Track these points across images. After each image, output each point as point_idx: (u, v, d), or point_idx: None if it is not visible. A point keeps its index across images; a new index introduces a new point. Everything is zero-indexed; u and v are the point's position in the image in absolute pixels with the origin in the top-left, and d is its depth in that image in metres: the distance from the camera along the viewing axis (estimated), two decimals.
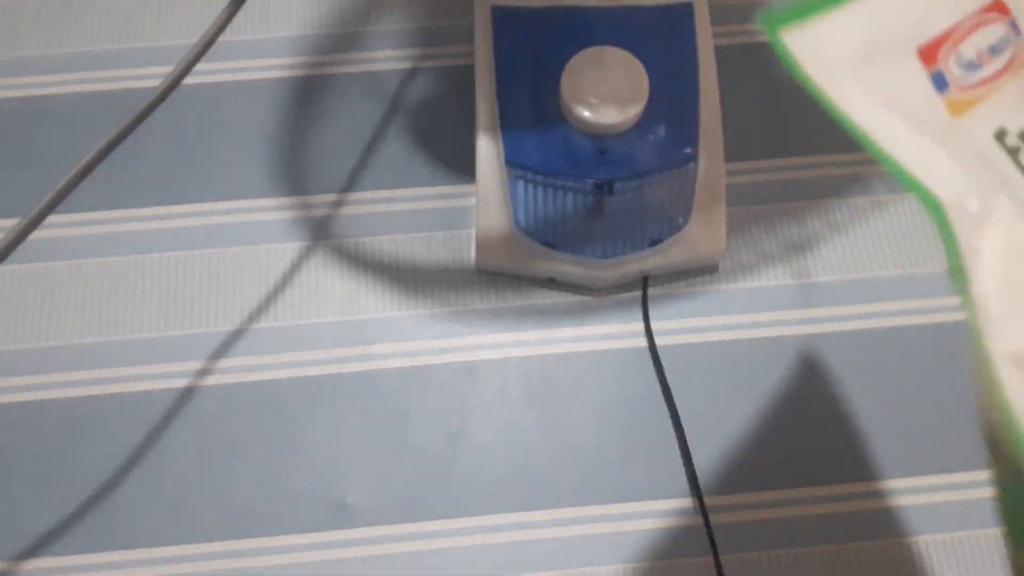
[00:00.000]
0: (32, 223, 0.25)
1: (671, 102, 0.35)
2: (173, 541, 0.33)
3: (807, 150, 0.39)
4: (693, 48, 0.36)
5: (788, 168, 0.39)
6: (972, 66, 0.18)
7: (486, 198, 0.35)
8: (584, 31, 0.35)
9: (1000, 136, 0.18)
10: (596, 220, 0.35)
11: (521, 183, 0.35)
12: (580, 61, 0.34)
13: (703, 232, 0.35)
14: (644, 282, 0.37)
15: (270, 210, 0.38)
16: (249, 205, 0.38)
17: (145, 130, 0.40)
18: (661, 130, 0.34)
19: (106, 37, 0.41)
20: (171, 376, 0.36)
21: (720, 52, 0.39)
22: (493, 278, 0.37)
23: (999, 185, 0.18)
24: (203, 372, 0.36)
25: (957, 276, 0.18)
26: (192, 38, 0.41)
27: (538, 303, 0.37)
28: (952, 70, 0.18)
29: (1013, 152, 0.18)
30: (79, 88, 0.40)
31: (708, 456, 0.35)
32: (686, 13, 0.36)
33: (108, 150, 0.26)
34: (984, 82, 0.19)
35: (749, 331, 0.36)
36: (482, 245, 0.35)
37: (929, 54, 0.18)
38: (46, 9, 0.41)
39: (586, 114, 0.33)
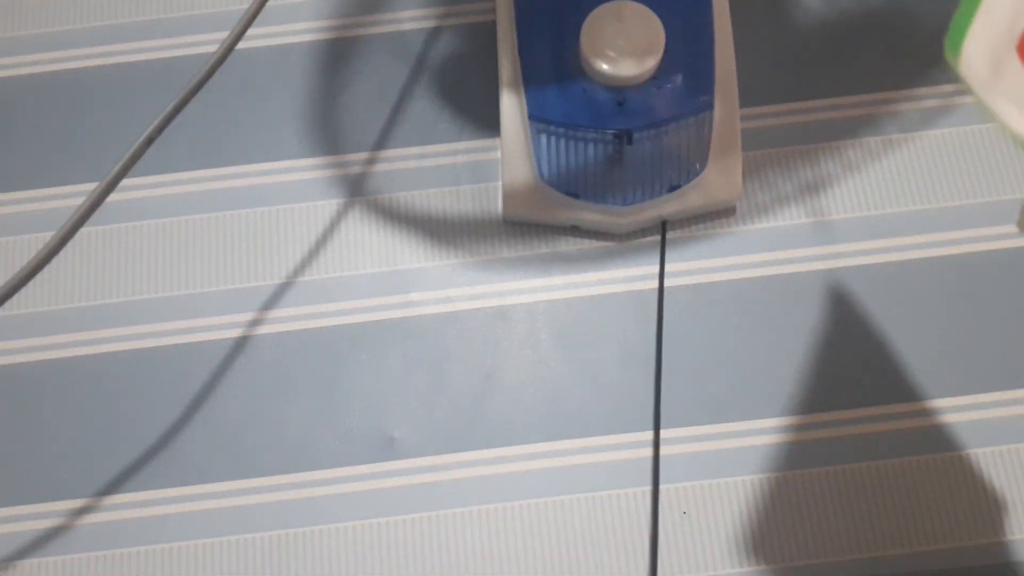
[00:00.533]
0: (107, 188, 0.27)
1: (687, 53, 0.36)
2: (235, 476, 0.37)
3: (820, 93, 0.40)
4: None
5: (802, 111, 0.40)
6: None
7: (510, 151, 0.37)
8: None
9: None
10: (616, 169, 0.37)
11: (544, 136, 0.37)
12: (598, 16, 0.35)
13: (720, 177, 0.37)
14: (663, 227, 0.38)
15: (308, 169, 0.41)
16: (288, 166, 0.41)
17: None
18: (678, 80, 0.36)
19: (147, 8, 0.43)
20: (226, 327, 0.39)
21: None
22: (519, 227, 0.39)
23: None
24: (255, 322, 0.39)
25: None
26: (227, 5, 0.43)
27: (563, 250, 0.39)
28: None
29: None
30: (131, 58, 0.42)
31: (726, 383, 0.37)
32: None
33: (171, 117, 0.29)
34: None
35: (767, 268, 0.38)
36: (508, 196, 0.38)
37: None
38: None
39: (604, 67, 0.35)
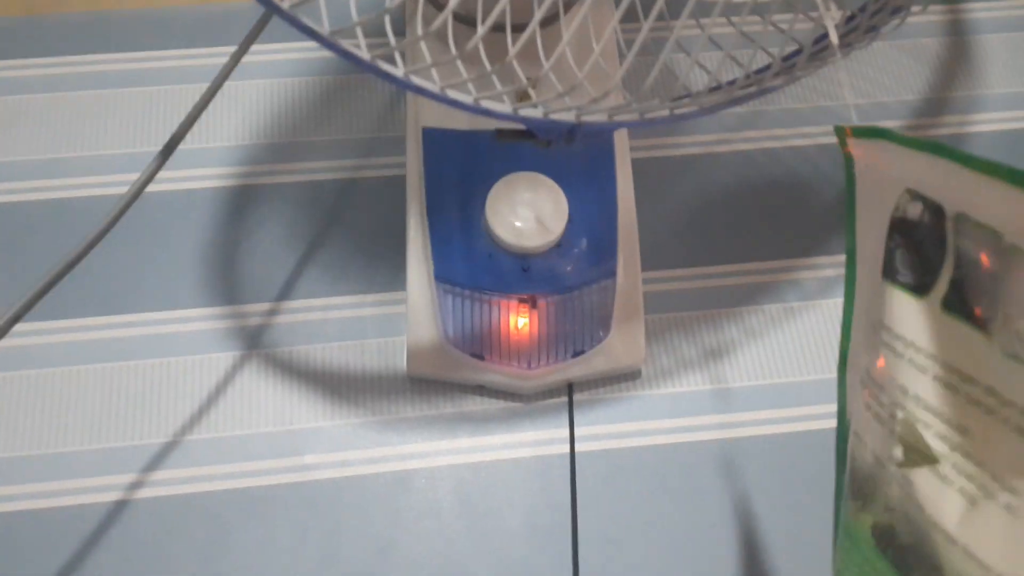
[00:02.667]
0: None
1: (590, 222, 0.37)
2: None
3: (722, 259, 0.41)
4: (612, 169, 0.38)
5: (704, 276, 0.41)
6: None
7: (416, 310, 0.37)
8: (510, 155, 0.37)
9: None
10: (521, 333, 0.36)
11: (450, 297, 0.36)
12: (504, 185, 0.35)
13: (623, 343, 0.37)
14: (569, 389, 0.38)
15: (205, 320, 0.39)
16: (184, 315, 0.39)
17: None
18: (582, 248, 0.36)
19: (50, 147, 0.42)
20: (100, 490, 0.36)
21: (637, 165, 0.42)
22: (424, 386, 0.38)
23: None
24: (133, 485, 0.36)
25: None
26: (134, 147, 0.42)
27: (468, 410, 0.38)
28: None
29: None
30: (27, 197, 0.41)
31: (644, 554, 0.36)
32: (606, 136, 0.38)
33: (75, 262, 0.27)
34: None
35: (670, 436, 0.38)
36: (412, 355, 0.37)
37: None
38: None
39: (509, 237, 0.35)
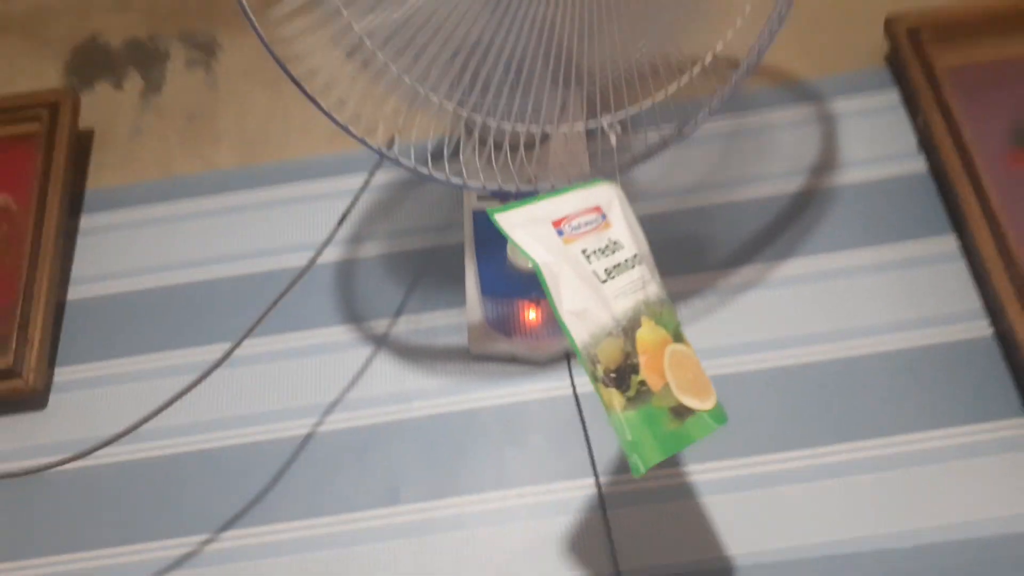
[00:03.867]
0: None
1: None
2: None
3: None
4: None
5: None
6: (576, 228, 0.46)
7: (472, 311, 0.63)
8: None
9: (583, 252, 0.46)
10: (533, 321, 0.62)
11: (490, 302, 0.62)
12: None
13: None
14: (568, 355, 0.63)
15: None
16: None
17: None
18: None
19: (241, 403, 0.71)
20: None
21: None
22: (480, 358, 0.64)
23: (571, 265, 0.45)
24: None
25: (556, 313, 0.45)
26: (315, 398, 0.71)
27: (507, 369, 0.63)
28: (565, 229, 0.46)
29: (585, 255, 0.46)
30: (223, 443, 0.70)
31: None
32: None
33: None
34: (581, 234, 0.46)
35: None
36: (471, 337, 0.63)
37: (556, 224, 0.46)
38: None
39: (522, 265, 0.61)
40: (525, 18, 0.45)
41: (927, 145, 0.69)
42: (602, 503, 0.57)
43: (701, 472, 0.58)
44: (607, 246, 0.47)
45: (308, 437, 0.62)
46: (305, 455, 0.62)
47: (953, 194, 0.65)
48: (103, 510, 0.61)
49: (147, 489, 0.61)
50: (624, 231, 0.49)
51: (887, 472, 0.57)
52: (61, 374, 0.66)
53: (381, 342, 0.66)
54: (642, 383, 0.44)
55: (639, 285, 0.47)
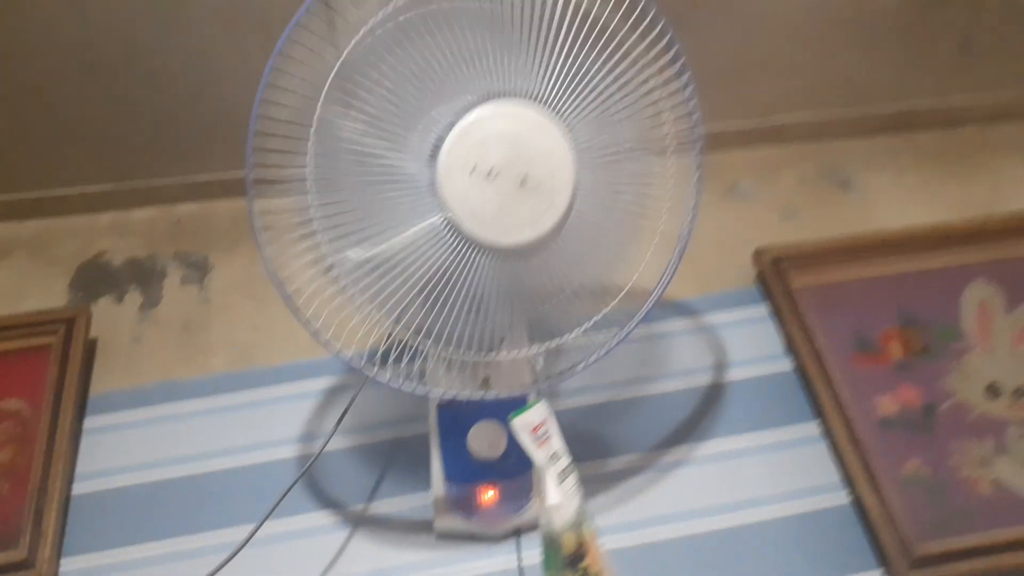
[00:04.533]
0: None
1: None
2: None
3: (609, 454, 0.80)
4: None
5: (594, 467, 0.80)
6: (538, 438, 0.62)
7: (438, 492, 0.75)
8: (480, 412, 0.78)
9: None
10: (490, 501, 0.75)
11: (454, 485, 0.75)
12: (475, 429, 0.76)
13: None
14: (517, 531, 0.76)
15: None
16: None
17: None
18: (516, 456, 0.76)
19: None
20: None
21: None
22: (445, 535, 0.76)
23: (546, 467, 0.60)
24: None
25: None
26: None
27: (465, 544, 0.75)
28: (539, 436, 0.62)
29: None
30: None
31: None
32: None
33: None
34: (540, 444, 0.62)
35: None
36: (436, 516, 0.75)
37: (534, 431, 0.61)
38: None
39: (481, 452, 0.75)
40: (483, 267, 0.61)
41: (791, 349, 0.88)
42: None
43: None
44: (553, 455, 0.62)
45: None
46: None
47: (813, 389, 0.84)
48: None
49: None
50: (560, 443, 0.64)
51: None
52: (67, 563, 0.74)
53: (357, 523, 0.77)
54: (586, 569, 0.58)
55: (577, 489, 0.62)
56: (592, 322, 0.70)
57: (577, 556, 0.57)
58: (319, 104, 0.59)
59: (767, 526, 0.76)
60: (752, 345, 0.89)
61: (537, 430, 0.61)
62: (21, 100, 0.93)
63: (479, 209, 0.59)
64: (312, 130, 0.59)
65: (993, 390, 0.84)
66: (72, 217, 1.03)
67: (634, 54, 0.60)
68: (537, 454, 0.61)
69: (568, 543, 0.58)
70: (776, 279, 0.92)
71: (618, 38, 0.59)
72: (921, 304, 0.91)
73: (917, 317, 0.90)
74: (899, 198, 1.03)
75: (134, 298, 0.95)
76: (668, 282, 0.69)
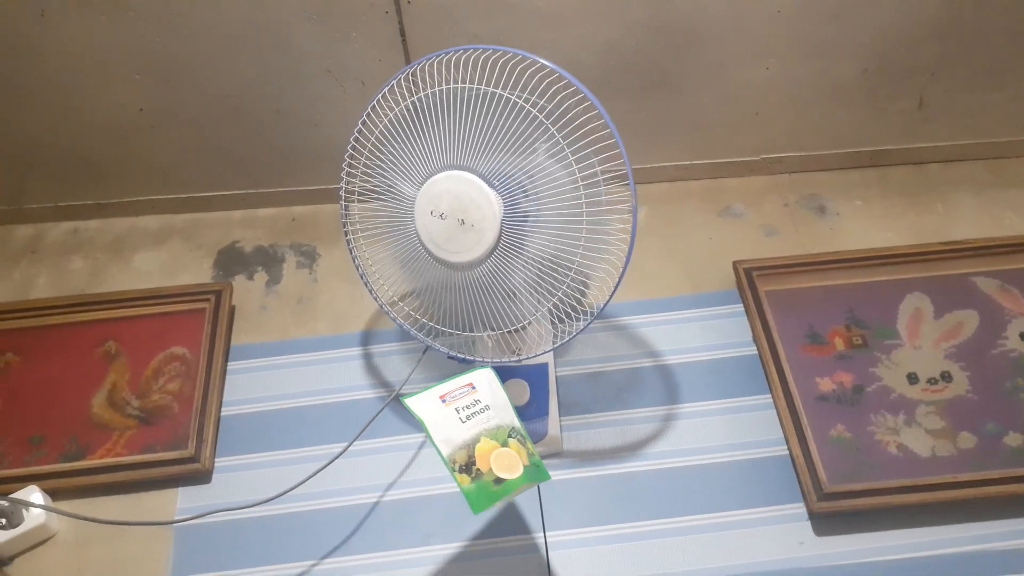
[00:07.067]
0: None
1: (536, 394, 1.05)
2: None
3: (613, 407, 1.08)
4: (546, 374, 1.07)
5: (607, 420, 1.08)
6: (454, 396, 0.89)
7: None
8: (513, 373, 1.06)
9: (456, 409, 0.89)
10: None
11: None
12: (507, 385, 1.04)
13: (552, 440, 1.03)
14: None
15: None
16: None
17: None
18: (533, 408, 1.04)
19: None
20: None
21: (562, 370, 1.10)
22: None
23: (442, 416, 0.88)
24: None
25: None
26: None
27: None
28: (447, 399, 0.90)
29: (456, 410, 0.88)
30: None
31: None
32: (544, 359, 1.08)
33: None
34: (456, 399, 0.89)
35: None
36: None
37: (441, 397, 0.89)
38: None
39: (512, 403, 1.03)
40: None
41: (755, 339, 1.14)
42: None
43: None
44: (473, 403, 0.89)
45: None
46: None
47: (767, 369, 1.09)
48: (251, 545, 0.99)
49: (286, 533, 0.99)
50: (486, 393, 0.90)
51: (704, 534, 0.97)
52: (220, 461, 1.06)
53: (420, 446, 1.06)
54: (477, 470, 0.85)
55: (484, 421, 0.88)
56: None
57: (468, 464, 0.83)
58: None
59: (722, 467, 1.02)
60: (727, 333, 1.15)
61: (444, 398, 0.88)
62: (184, 128, 1.25)
63: (435, 237, 0.89)
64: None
65: (912, 377, 1.09)
66: (214, 213, 1.35)
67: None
68: (446, 410, 0.87)
69: (460, 458, 0.83)
70: (748, 285, 1.17)
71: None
72: (866, 309, 1.15)
73: (862, 319, 1.14)
74: (865, 223, 1.27)
75: (261, 276, 1.26)
76: (614, 293, 0.96)
